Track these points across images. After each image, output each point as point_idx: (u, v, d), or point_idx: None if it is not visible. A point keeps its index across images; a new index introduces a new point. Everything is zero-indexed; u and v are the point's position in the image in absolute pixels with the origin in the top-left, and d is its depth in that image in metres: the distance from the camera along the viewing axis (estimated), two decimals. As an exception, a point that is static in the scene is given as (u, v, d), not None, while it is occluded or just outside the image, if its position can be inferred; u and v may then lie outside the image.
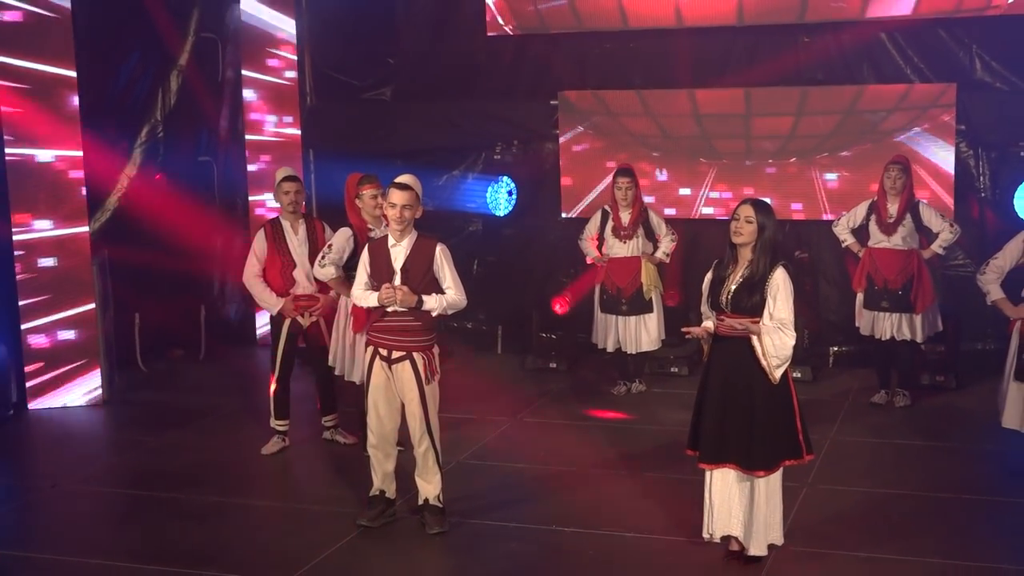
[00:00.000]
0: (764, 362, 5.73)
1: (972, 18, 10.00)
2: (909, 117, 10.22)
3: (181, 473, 7.82)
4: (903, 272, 8.85)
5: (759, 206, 5.87)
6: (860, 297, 9.09)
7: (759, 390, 5.81)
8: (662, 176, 10.98)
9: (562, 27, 11.07)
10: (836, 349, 10.37)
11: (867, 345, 9.39)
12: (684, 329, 6.13)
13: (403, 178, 6.40)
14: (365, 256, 6.57)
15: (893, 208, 8.86)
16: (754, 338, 5.72)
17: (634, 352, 9.54)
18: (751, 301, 5.76)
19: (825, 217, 10.37)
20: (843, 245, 9.23)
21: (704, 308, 6.03)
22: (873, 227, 8.95)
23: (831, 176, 10.51)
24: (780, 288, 5.74)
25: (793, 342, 5.74)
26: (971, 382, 9.64)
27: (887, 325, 8.96)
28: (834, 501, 6.99)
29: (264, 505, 7.30)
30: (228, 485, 7.61)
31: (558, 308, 10.79)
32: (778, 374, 5.75)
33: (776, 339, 5.70)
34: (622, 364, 9.71)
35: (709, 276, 5.98)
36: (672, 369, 10.18)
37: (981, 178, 10.21)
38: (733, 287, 5.82)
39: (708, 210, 10.83)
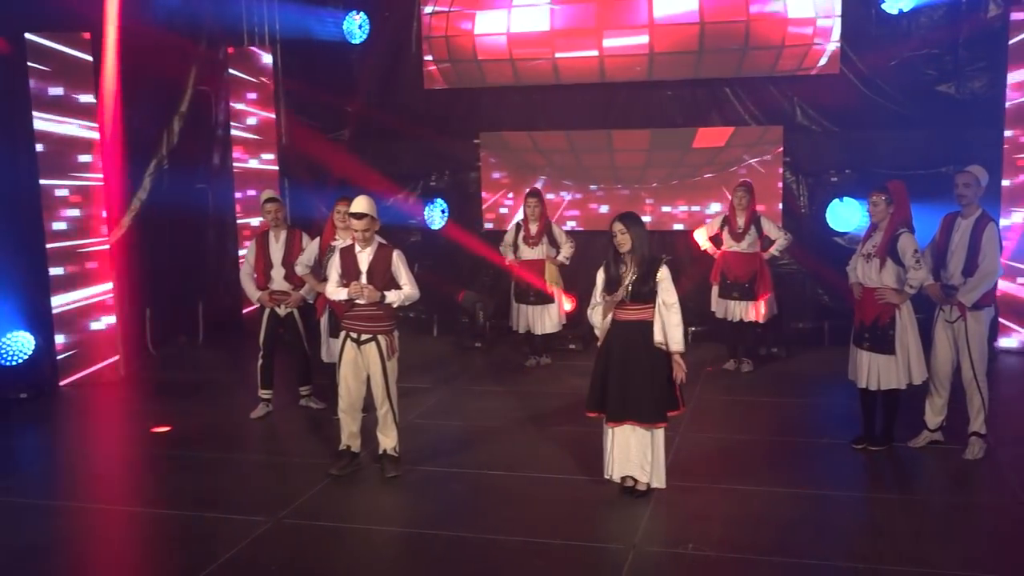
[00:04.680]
0: (666, 337, 5.62)
1: (792, 76, 10.00)
2: (748, 151, 10.19)
3: (187, 434, 7.45)
4: (748, 270, 8.79)
5: (626, 218, 5.72)
6: (715, 289, 9.02)
7: (651, 361, 5.68)
8: (565, 196, 10.84)
9: (481, 84, 10.85)
10: (693, 328, 10.24)
11: (719, 325, 9.31)
12: (608, 297, 5.78)
13: (360, 207, 6.16)
14: (336, 260, 6.35)
15: (741, 221, 8.80)
16: (656, 320, 5.62)
17: (540, 333, 9.36)
18: (644, 290, 5.63)
19: (676, 227, 10.32)
20: (702, 248, 9.14)
21: (597, 297, 5.84)
22: (726, 235, 8.89)
23: (697, 198, 10.45)
24: (666, 279, 5.64)
25: (680, 319, 5.68)
26: (797, 352, 9.65)
27: (737, 310, 8.90)
28: (700, 446, 6.88)
29: (253, 459, 6.96)
30: (224, 443, 7.25)
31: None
32: (678, 345, 5.62)
33: (673, 318, 5.62)
34: (531, 343, 9.53)
35: (602, 274, 5.81)
36: (570, 346, 10.00)
37: (802, 198, 10.22)
38: (630, 284, 5.66)
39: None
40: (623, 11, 10.22)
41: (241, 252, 11.05)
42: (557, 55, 10.44)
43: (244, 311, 11.29)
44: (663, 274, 5.65)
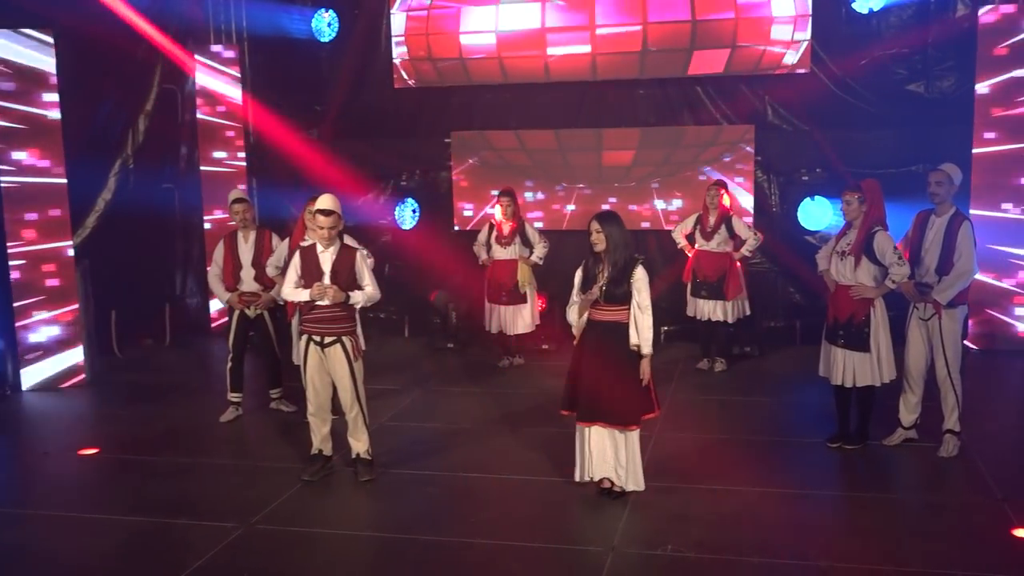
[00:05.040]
0: (639, 339, 5.55)
1: (764, 75, 10.02)
2: (721, 150, 10.20)
3: (154, 439, 7.32)
4: (718, 269, 8.79)
5: (604, 218, 5.68)
6: (688, 287, 9.02)
7: (625, 363, 5.62)
8: (532, 196, 10.77)
9: (453, 81, 10.76)
10: (666, 328, 10.25)
11: (692, 324, 9.31)
12: (583, 294, 5.73)
13: (327, 204, 6.05)
14: (296, 260, 6.20)
15: (712, 220, 8.79)
16: (630, 322, 5.54)
17: (513, 333, 9.30)
18: (619, 292, 5.58)
19: (664, 227, 10.28)
20: (678, 247, 9.13)
21: (574, 295, 5.79)
22: (697, 234, 8.88)
23: (663, 196, 10.43)
24: (641, 280, 5.58)
25: (651, 321, 5.59)
26: (770, 351, 9.67)
27: (706, 309, 8.89)
28: (676, 446, 6.85)
29: (224, 464, 6.82)
30: (193, 447, 7.13)
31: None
32: (648, 348, 5.58)
33: (646, 321, 5.55)
34: (504, 343, 9.46)
35: (580, 273, 5.77)
36: (543, 347, 9.95)
37: (773, 197, 10.24)
38: (604, 284, 5.62)
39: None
40: (611, 8, 10.17)
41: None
42: (538, 52, 10.40)
43: (215, 323, 11.15)
44: (638, 275, 5.59)
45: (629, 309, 5.59)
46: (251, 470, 6.61)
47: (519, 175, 10.68)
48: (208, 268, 8.04)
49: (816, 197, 10.05)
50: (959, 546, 5.18)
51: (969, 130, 9.31)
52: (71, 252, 8.86)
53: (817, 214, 10.06)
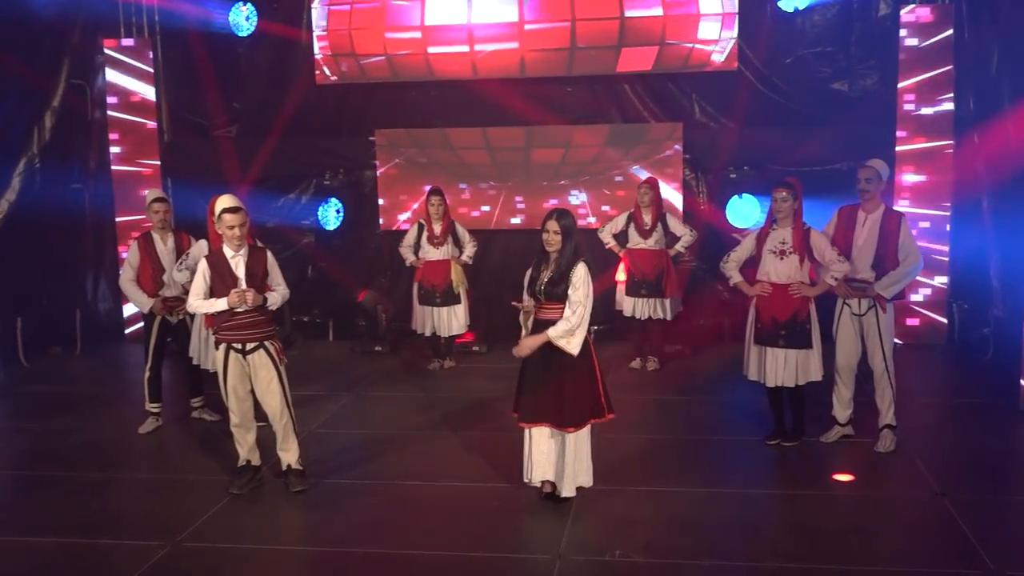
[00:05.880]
0: (557, 324, 5.39)
1: (692, 73, 10.02)
2: (649, 148, 10.16)
3: (68, 453, 6.92)
4: (656, 267, 8.74)
5: (562, 215, 5.52)
6: (622, 287, 8.95)
7: (568, 363, 5.48)
8: (463, 196, 10.57)
9: (377, 78, 10.50)
10: (596, 327, 10.09)
11: (622, 324, 9.23)
12: (513, 303, 5.69)
13: (231, 201, 5.81)
14: (205, 269, 5.86)
15: (647, 218, 8.74)
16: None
17: (447, 335, 9.12)
18: (558, 290, 5.44)
19: (586, 222, 10.19)
20: (606, 247, 9.02)
21: (526, 296, 5.63)
22: (632, 233, 8.80)
23: (580, 194, 10.35)
24: (578, 277, 5.42)
25: (578, 320, 5.39)
26: (700, 349, 9.68)
27: (645, 308, 8.83)
28: (616, 447, 6.73)
29: (146, 478, 6.49)
30: (111, 462, 6.76)
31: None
32: (566, 346, 5.41)
33: (569, 314, 5.38)
34: (436, 345, 9.27)
35: (529, 272, 5.62)
36: (474, 348, 9.78)
37: (701, 195, 10.26)
38: (542, 284, 5.48)
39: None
40: (542, 4, 10.03)
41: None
42: (475, 49, 10.18)
43: (127, 321, 10.68)
44: (578, 272, 5.42)
45: (570, 307, 5.46)
46: (175, 484, 6.28)
47: (445, 174, 10.47)
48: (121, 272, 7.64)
49: (744, 195, 10.09)
50: (906, 541, 5.21)
51: (891, 129, 9.46)
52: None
53: (745, 212, 10.11)
